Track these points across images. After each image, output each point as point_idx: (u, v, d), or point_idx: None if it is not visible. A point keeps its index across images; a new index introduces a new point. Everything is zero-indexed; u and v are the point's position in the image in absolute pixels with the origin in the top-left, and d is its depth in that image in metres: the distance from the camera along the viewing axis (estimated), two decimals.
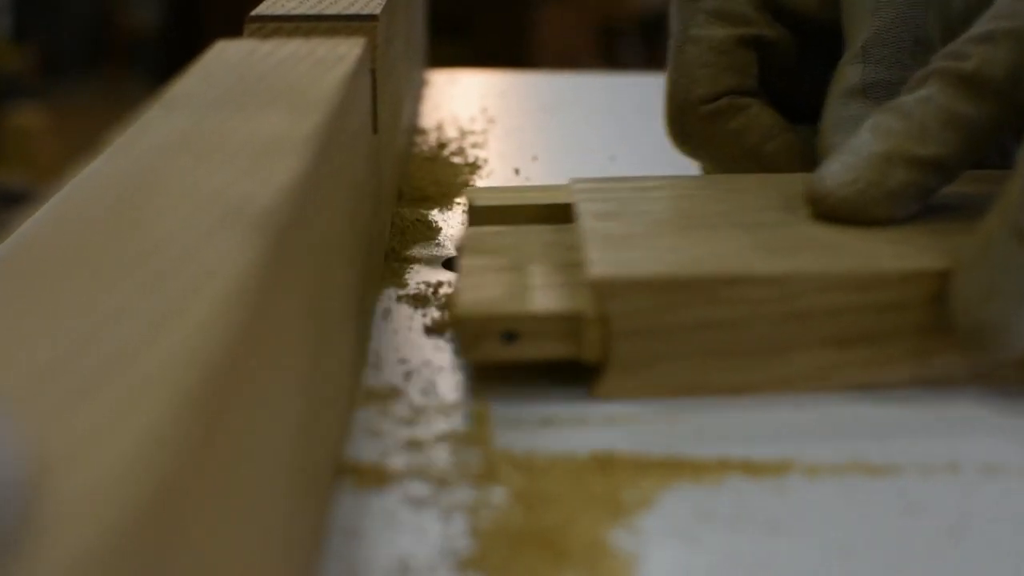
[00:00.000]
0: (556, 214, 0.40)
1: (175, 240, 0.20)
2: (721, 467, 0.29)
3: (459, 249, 0.39)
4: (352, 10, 0.39)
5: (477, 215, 0.41)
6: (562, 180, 0.42)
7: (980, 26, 0.37)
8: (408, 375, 0.34)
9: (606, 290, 0.33)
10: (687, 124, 0.45)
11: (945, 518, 0.28)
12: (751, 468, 0.29)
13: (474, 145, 0.62)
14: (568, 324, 0.33)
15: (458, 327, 0.34)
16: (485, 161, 0.59)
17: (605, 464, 0.29)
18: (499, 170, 0.57)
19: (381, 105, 0.41)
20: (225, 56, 0.34)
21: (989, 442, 0.31)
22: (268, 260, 0.20)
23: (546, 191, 0.43)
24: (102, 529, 0.13)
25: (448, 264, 0.44)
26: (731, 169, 0.45)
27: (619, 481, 0.29)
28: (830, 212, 0.37)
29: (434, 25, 0.89)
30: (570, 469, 0.29)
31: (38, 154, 2.66)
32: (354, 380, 0.33)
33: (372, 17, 0.39)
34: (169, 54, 3.38)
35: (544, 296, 0.34)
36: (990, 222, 0.33)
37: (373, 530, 0.27)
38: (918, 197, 0.37)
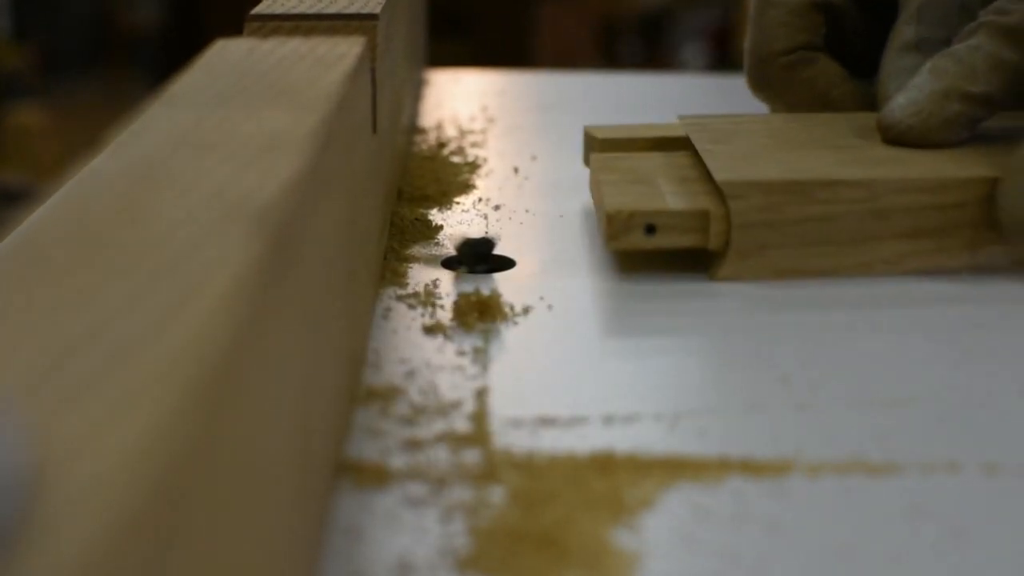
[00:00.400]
0: (663, 145, 0.50)
1: (176, 236, 0.20)
2: (721, 467, 0.29)
3: (592, 170, 0.48)
4: (352, 9, 0.39)
5: (599, 145, 0.50)
6: (564, 178, 0.43)
7: None
8: (408, 375, 0.34)
9: (729, 190, 0.42)
10: (767, 74, 0.55)
11: (946, 518, 0.28)
12: (751, 468, 0.29)
13: (474, 144, 0.62)
14: (697, 219, 0.42)
15: (608, 222, 0.41)
16: (485, 160, 0.59)
17: (605, 464, 0.29)
18: (499, 169, 0.57)
19: (381, 104, 0.41)
20: (225, 54, 0.34)
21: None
22: (269, 256, 0.20)
23: (653, 128, 0.52)
24: (104, 523, 0.13)
25: (447, 264, 0.44)
26: (802, 111, 0.53)
27: (619, 481, 0.29)
28: (898, 137, 0.46)
29: (434, 24, 0.89)
30: (570, 468, 0.29)
31: (38, 153, 2.66)
32: (354, 378, 0.33)
33: (372, 16, 0.39)
34: (169, 53, 3.38)
35: (675, 198, 0.43)
36: None
37: (373, 529, 0.27)
38: (969, 125, 0.46)
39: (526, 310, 0.39)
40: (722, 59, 3.25)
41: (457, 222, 0.48)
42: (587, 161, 0.51)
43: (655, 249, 0.42)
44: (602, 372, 0.35)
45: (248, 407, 0.18)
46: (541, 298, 0.40)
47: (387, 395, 0.33)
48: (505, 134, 0.65)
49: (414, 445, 0.30)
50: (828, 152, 0.45)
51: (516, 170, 0.57)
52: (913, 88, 0.46)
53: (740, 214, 0.42)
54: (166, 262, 0.19)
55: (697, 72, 3.01)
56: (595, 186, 0.46)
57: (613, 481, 0.29)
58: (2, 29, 3.39)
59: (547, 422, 0.32)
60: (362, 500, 0.28)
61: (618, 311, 0.40)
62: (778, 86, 0.55)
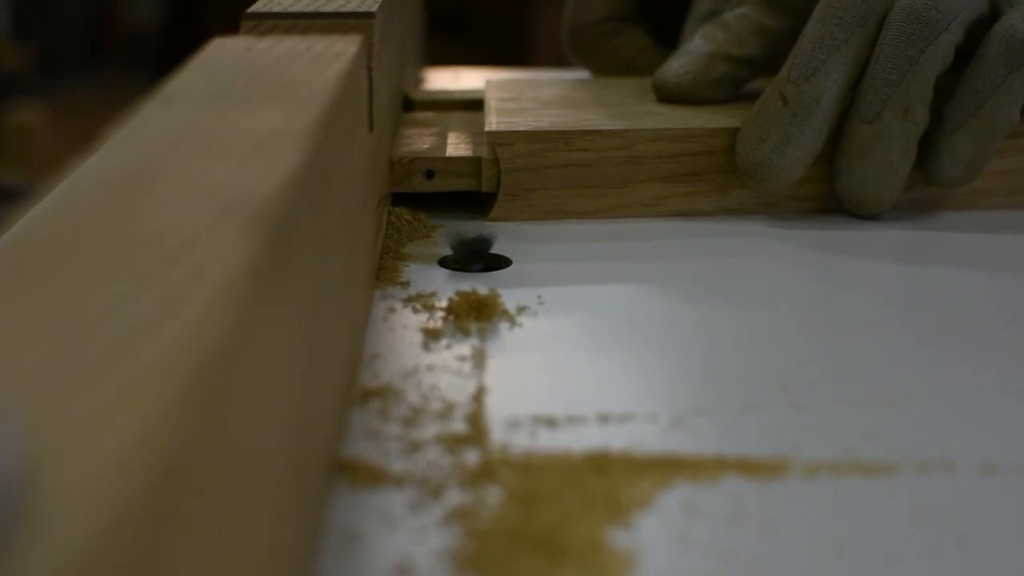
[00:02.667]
0: (476, 105, 0.56)
1: (173, 233, 0.20)
2: (718, 466, 0.29)
3: (402, 124, 0.53)
4: (349, 8, 0.39)
5: (414, 106, 0.58)
6: None
7: None
8: (404, 374, 0.34)
9: (497, 139, 0.48)
10: (581, 41, 0.61)
11: (942, 519, 0.28)
12: (748, 467, 0.29)
13: None
14: (471, 165, 0.48)
15: (392, 167, 0.47)
16: None
17: (602, 464, 0.29)
18: None
19: (377, 103, 0.41)
20: (222, 52, 0.34)
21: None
22: (265, 254, 0.20)
23: (468, 90, 0.61)
24: (97, 522, 0.13)
25: (444, 262, 0.44)
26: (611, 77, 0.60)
27: (616, 480, 0.29)
28: (668, 95, 0.52)
29: (433, 23, 0.89)
30: (567, 469, 0.29)
31: (37, 151, 2.66)
32: (350, 377, 0.33)
33: (369, 15, 0.39)
34: (169, 53, 3.38)
35: (455, 147, 0.49)
36: (765, 92, 0.48)
37: (370, 530, 0.27)
38: (733, 85, 0.52)
39: (522, 309, 0.39)
40: None
41: (453, 221, 0.48)
42: None
43: (435, 191, 0.48)
44: (598, 371, 0.35)
45: (243, 405, 0.18)
46: (538, 297, 0.40)
47: (383, 395, 0.33)
48: None
49: (411, 445, 0.30)
50: (600, 108, 0.51)
51: None
52: (684, 52, 0.52)
53: (507, 160, 0.48)
54: (162, 260, 0.19)
55: None
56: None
57: (610, 481, 0.29)
58: (1, 28, 3.38)
59: (544, 422, 0.32)
60: (359, 500, 0.28)
61: (616, 308, 0.40)
62: (590, 53, 0.61)
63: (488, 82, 0.57)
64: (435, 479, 0.29)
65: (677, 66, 0.52)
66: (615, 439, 0.31)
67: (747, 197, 0.49)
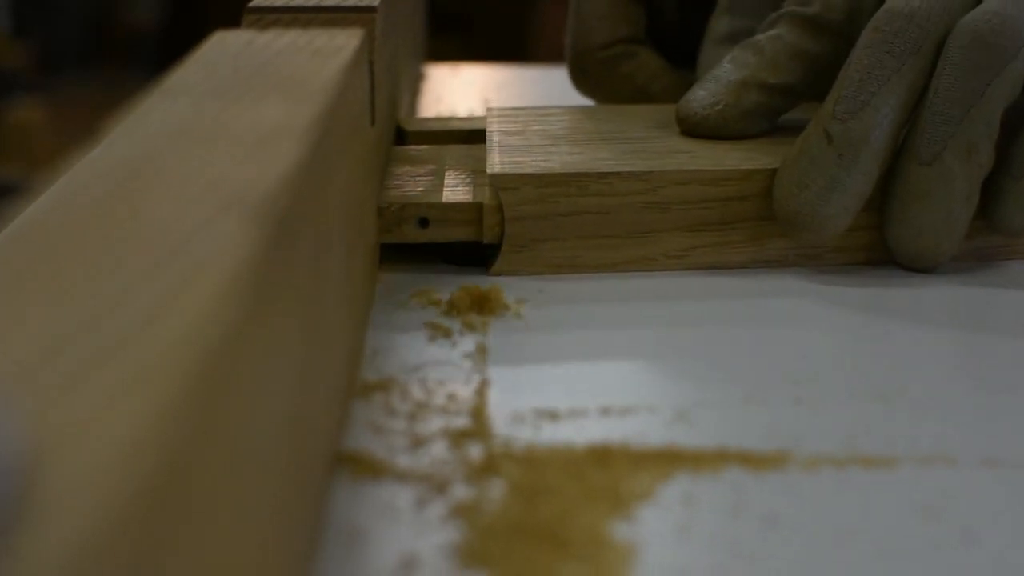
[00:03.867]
0: (475, 137, 0.50)
1: (172, 227, 0.20)
2: (719, 458, 0.29)
3: (392, 161, 0.47)
4: (350, 2, 0.39)
5: (408, 138, 0.51)
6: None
7: None
8: (406, 369, 0.34)
9: (501, 183, 0.41)
10: (586, 67, 0.55)
11: (943, 511, 0.28)
12: (749, 460, 0.29)
13: None
14: (471, 212, 0.42)
15: (380, 214, 0.41)
16: None
17: (603, 456, 0.29)
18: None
19: (379, 97, 0.41)
20: (223, 46, 0.34)
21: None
22: (266, 248, 0.20)
23: (468, 120, 0.53)
24: (97, 517, 0.13)
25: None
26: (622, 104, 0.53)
27: (618, 473, 0.29)
28: (694, 128, 0.45)
29: (434, 19, 0.89)
30: (569, 461, 0.29)
31: (37, 149, 2.66)
32: (352, 372, 0.33)
33: (371, 9, 0.39)
34: (168, 51, 3.38)
35: (453, 191, 0.43)
36: (807, 129, 0.41)
37: (373, 524, 0.27)
38: (767, 116, 0.46)
39: (524, 303, 0.39)
40: None
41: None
42: None
43: (431, 242, 0.42)
44: (600, 364, 0.35)
45: (243, 399, 0.18)
46: (540, 291, 0.40)
47: (385, 389, 0.33)
48: None
49: (413, 439, 0.30)
50: (617, 144, 0.44)
51: None
52: (712, 79, 0.46)
53: (512, 207, 0.41)
54: (162, 253, 0.19)
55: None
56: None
57: (612, 474, 0.29)
58: (1, 26, 3.38)
59: (546, 415, 0.31)
60: (361, 495, 0.28)
61: (617, 300, 0.40)
62: (597, 80, 0.55)
63: (489, 111, 0.50)
64: (438, 473, 0.29)
65: (704, 95, 0.45)
66: (616, 432, 0.31)
67: (786, 248, 0.42)
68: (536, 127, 0.47)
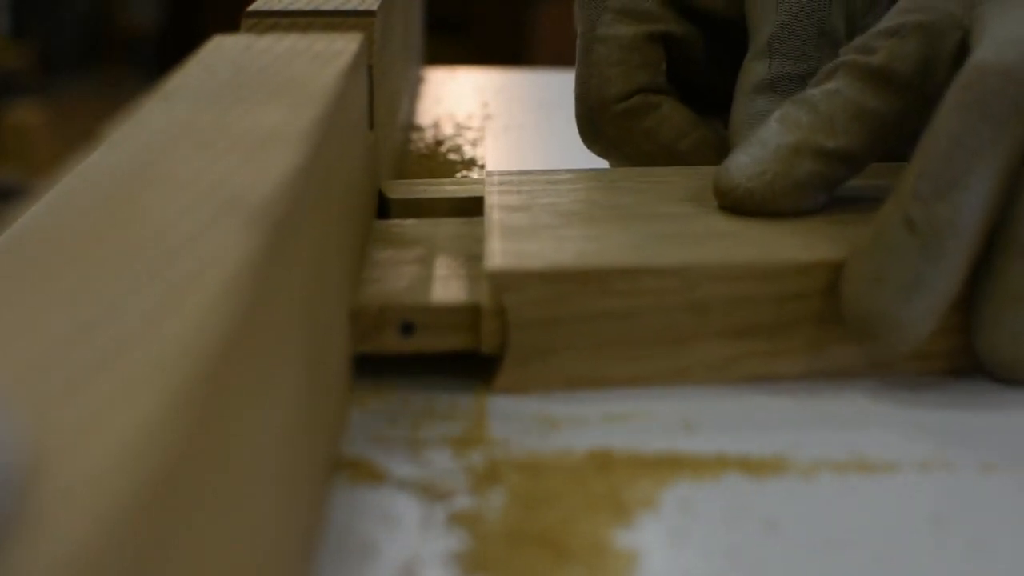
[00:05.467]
0: (471, 207, 0.41)
1: (173, 230, 0.20)
2: (719, 464, 0.29)
3: (372, 242, 0.39)
4: (349, 6, 0.39)
5: (393, 208, 0.42)
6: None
7: (888, 20, 0.37)
8: (406, 373, 0.34)
9: (501, 282, 0.33)
10: (600, 124, 0.45)
11: (943, 517, 0.28)
12: (749, 465, 0.29)
13: (471, 142, 0.62)
14: (466, 316, 0.33)
15: (355, 319, 0.33)
16: (482, 158, 0.59)
17: (604, 462, 0.29)
18: (496, 167, 0.57)
19: (378, 101, 0.41)
20: (222, 50, 0.34)
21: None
22: (265, 252, 0.20)
23: (461, 184, 0.44)
24: (97, 519, 0.13)
25: None
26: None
27: (618, 479, 0.29)
28: (737, 204, 0.37)
29: (432, 22, 0.89)
30: (570, 468, 0.29)
31: (36, 151, 2.66)
32: (350, 375, 0.33)
33: (369, 13, 0.39)
34: (167, 53, 3.38)
35: (444, 288, 0.34)
36: (884, 210, 0.33)
37: (373, 530, 0.27)
38: (825, 188, 0.37)
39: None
40: None
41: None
42: None
43: (416, 353, 0.34)
44: None
45: (243, 402, 0.18)
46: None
47: (385, 394, 0.33)
48: (503, 132, 0.65)
49: (414, 445, 0.30)
50: (640, 225, 0.36)
51: (514, 168, 0.57)
52: (757, 143, 0.37)
53: (517, 310, 0.33)
54: (162, 257, 0.19)
55: None
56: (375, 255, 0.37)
57: (612, 480, 0.29)
58: (1, 27, 3.38)
59: (548, 422, 0.31)
60: (361, 500, 0.28)
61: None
62: (614, 139, 0.45)
63: (489, 176, 0.41)
64: (438, 480, 0.29)
65: (748, 162, 0.37)
66: (617, 438, 0.31)
67: (850, 355, 0.34)
68: (544, 200, 0.38)
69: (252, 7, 0.39)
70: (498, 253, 0.34)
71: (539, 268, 0.33)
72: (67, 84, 3.54)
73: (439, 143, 0.61)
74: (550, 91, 0.78)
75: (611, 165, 0.47)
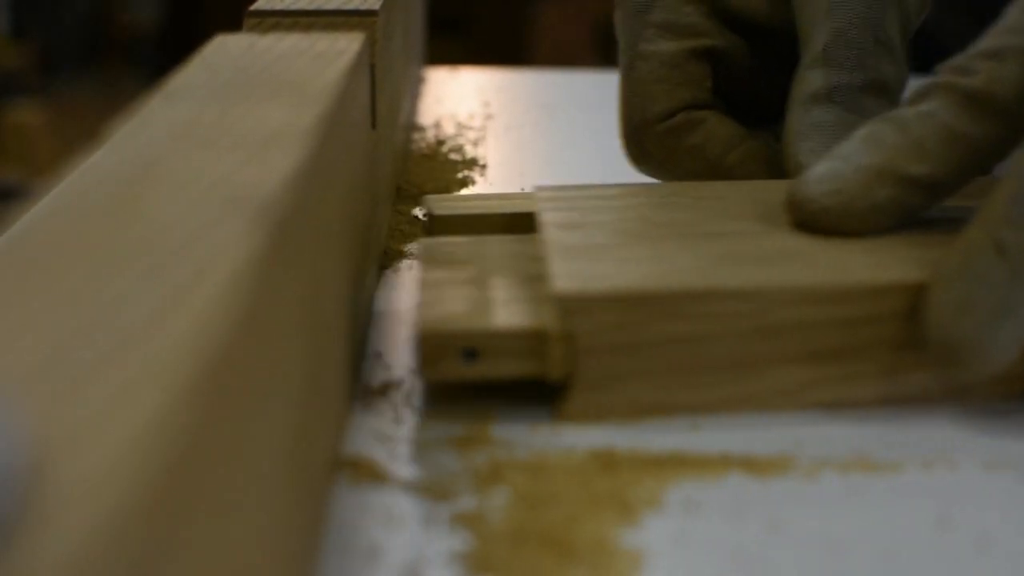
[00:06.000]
0: (519, 223, 0.39)
1: (176, 229, 0.20)
2: (723, 463, 0.29)
3: (418, 261, 0.36)
4: (351, 5, 0.39)
5: (437, 224, 0.40)
6: (563, 177, 0.42)
7: (988, 40, 0.36)
8: (408, 375, 0.34)
9: (571, 306, 0.32)
10: (646, 143, 0.44)
11: (943, 515, 0.28)
12: (753, 465, 0.29)
13: (472, 142, 0.62)
14: (532, 341, 0.32)
15: (418, 345, 0.32)
16: (483, 158, 0.59)
17: (608, 462, 0.29)
18: (497, 166, 0.57)
19: (380, 100, 0.41)
20: (225, 49, 0.34)
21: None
22: (268, 250, 0.20)
23: (509, 200, 0.42)
24: (100, 517, 0.13)
25: None
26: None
27: (622, 479, 0.29)
28: (810, 220, 0.35)
29: (433, 22, 0.89)
30: (573, 468, 0.29)
31: (36, 151, 2.66)
32: (353, 375, 0.33)
33: (371, 12, 0.39)
34: (168, 52, 3.38)
35: (506, 312, 0.33)
36: (971, 234, 0.32)
37: (376, 530, 0.27)
38: (903, 215, 0.35)
39: None
40: None
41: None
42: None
43: (482, 380, 0.32)
44: None
45: (246, 401, 0.18)
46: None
47: (386, 395, 0.33)
48: (504, 132, 0.65)
49: (416, 445, 0.30)
50: (704, 244, 0.35)
51: (515, 168, 0.57)
52: (838, 158, 0.36)
53: (586, 336, 0.32)
54: (165, 256, 0.19)
55: None
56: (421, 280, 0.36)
57: (616, 480, 0.29)
58: (1, 27, 3.38)
59: (551, 422, 0.31)
60: (364, 500, 0.28)
61: None
62: (660, 157, 0.44)
63: (537, 191, 0.40)
64: (440, 479, 0.29)
65: (825, 173, 0.35)
66: (620, 438, 0.31)
67: (927, 380, 0.33)
68: (597, 217, 0.37)
69: (254, 6, 0.39)
70: (563, 276, 0.32)
71: (608, 292, 0.32)
72: (67, 84, 3.55)
73: (440, 143, 0.61)
74: (551, 91, 0.78)
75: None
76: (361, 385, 0.33)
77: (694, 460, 0.30)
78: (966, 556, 0.26)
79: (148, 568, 0.13)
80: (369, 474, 0.29)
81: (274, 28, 0.37)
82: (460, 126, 0.65)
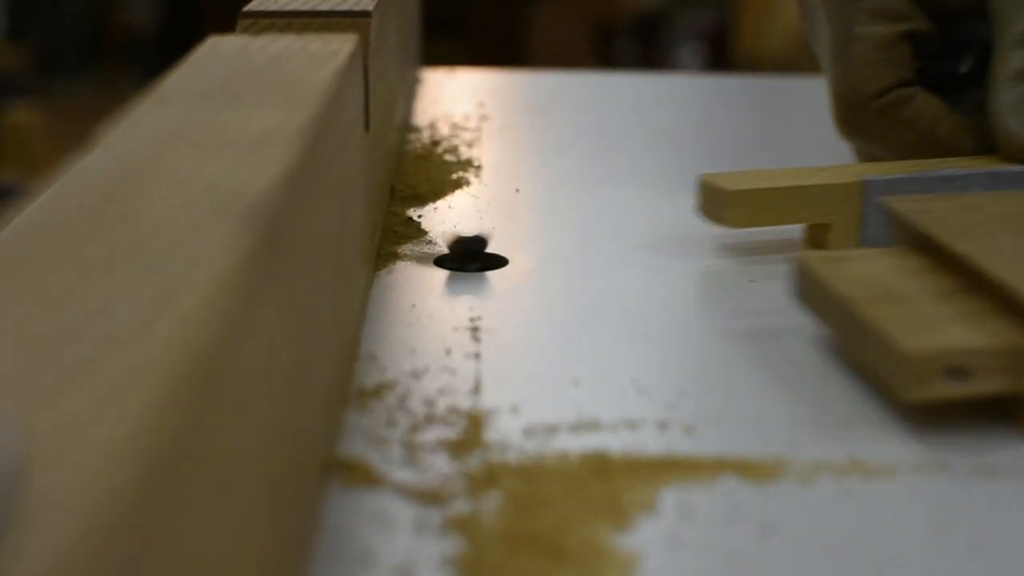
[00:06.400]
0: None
1: (165, 231, 0.20)
2: (717, 467, 0.29)
3: (822, 277, 0.35)
4: (345, 6, 0.39)
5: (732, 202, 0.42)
6: (558, 180, 0.42)
7: None
8: (402, 376, 0.34)
9: None
10: (861, 119, 0.49)
11: (937, 519, 0.27)
12: (747, 469, 0.29)
13: (467, 143, 0.62)
14: (1011, 358, 0.31)
15: (902, 366, 0.31)
16: (478, 159, 0.58)
17: (601, 466, 0.29)
18: (492, 167, 0.57)
19: (373, 102, 0.40)
20: (217, 51, 0.34)
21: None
22: (258, 253, 0.20)
23: (800, 176, 0.45)
24: (84, 521, 0.13)
25: (440, 262, 0.44)
26: (905, 155, 0.48)
27: (615, 483, 0.28)
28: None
29: (428, 23, 0.89)
30: (566, 472, 0.29)
31: (34, 152, 2.66)
32: (345, 378, 0.33)
33: (365, 13, 0.39)
34: (165, 53, 3.38)
35: (976, 329, 0.32)
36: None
37: (369, 533, 0.26)
38: None
39: (520, 309, 0.39)
40: (718, 60, 3.25)
41: (450, 221, 0.48)
42: (710, 214, 0.44)
43: (960, 399, 0.31)
44: (598, 374, 0.35)
45: (233, 403, 0.18)
46: (536, 297, 0.40)
47: (380, 397, 0.33)
48: (499, 133, 0.65)
49: (409, 448, 0.30)
50: None
51: (510, 169, 0.57)
52: None
53: None
54: (154, 258, 0.19)
55: (693, 73, 3.02)
56: (842, 303, 0.34)
57: (610, 484, 0.28)
58: None
59: (544, 426, 0.31)
60: (356, 503, 0.28)
61: (613, 309, 0.40)
62: (876, 131, 0.49)
63: (887, 201, 0.40)
64: (433, 483, 0.28)
65: None
66: (614, 442, 0.30)
67: None
68: (990, 226, 0.37)
69: (248, 7, 0.39)
70: None
71: None
72: (65, 84, 3.54)
73: (435, 143, 0.61)
74: (546, 92, 0.78)
75: (862, 154, 0.50)
76: (355, 387, 0.33)
77: (688, 464, 0.29)
78: (960, 562, 0.26)
79: (132, 572, 0.13)
80: (363, 477, 0.29)
81: (268, 29, 0.37)
82: (455, 127, 0.65)
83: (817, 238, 0.45)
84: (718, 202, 0.44)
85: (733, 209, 0.43)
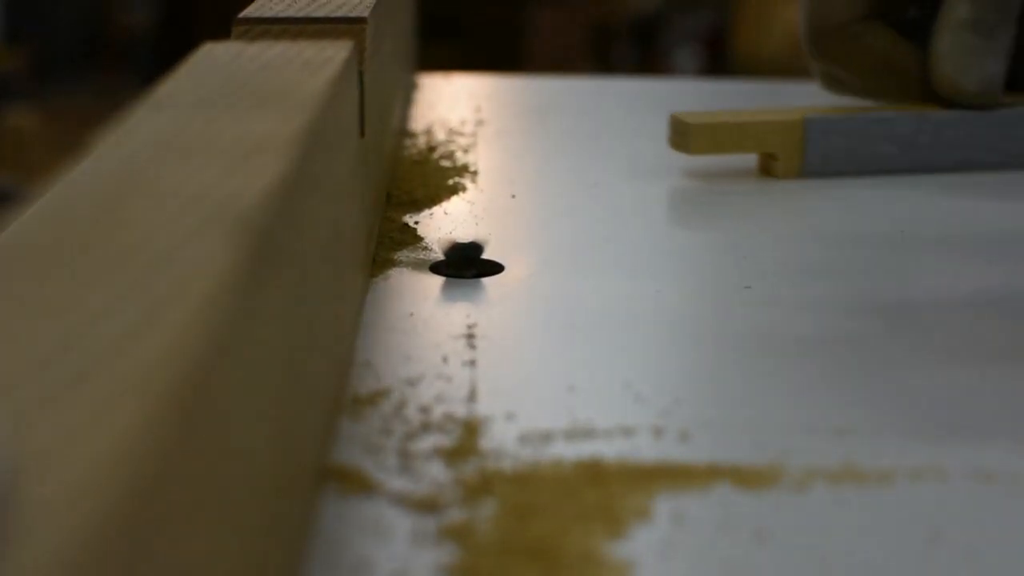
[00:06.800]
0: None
1: (158, 240, 0.20)
2: (712, 474, 0.29)
3: None
4: (340, 13, 0.39)
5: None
6: (554, 183, 0.42)
7: None
8: (396, 384, 0.34)
9: None
10: (827, 44, 0.58)
11: (932, 527, 0.27)
12: (742, 475, 0.29)
13: (463, 148, 0.62)
14: None
15: None
16: (475, 164, 0.58)
17: (596, 473, 0.29)
18: (489, 173, 0.57)
19: (369, 108, 0.40)
20: (212, 58, 0.33)
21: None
22: (251, 261, 0.20)
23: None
24: (77, 531, 0.13)
25: (435, 268, 0.44)
26: (863, 77, 0.58)
27: (610, 490, 0.28)
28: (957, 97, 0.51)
29: (425, 28, 0.89)
30: (561, 479, 0.29)
31: (31, 155, 2.66)
32: (339, 386, 0.33)
33: (360, 20, 0.39)
34: (162, 56, 3.38)
35: None
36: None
37: (362, 541, 0.26)
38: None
39: (516, 317, 0.39)
40: (716, 63, 3.26)
41: (446, 227, 0.48)
42: (676, 144, 0.52)
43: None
44: (594, 381, 0.35)
45: (226, 415, 0.18)
46: (531, 304, 0.40)
47: (375, 404, 0.33)
48: (496, 138, 0.65)
49: (403, 456, 0.30)
50: None
51: (506, 174, 0.57)
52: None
53: None
54: (147, 266, 0.19)
55: (691, 76, 3.02)
56: None
57: (605, 491, 0.28)
58: None
59: (540, 433, 0.31)
60: (350, 511, 0.28)
61: (608, 316, 0.40)
62: (839, 55, 0.57)
63: None
64: (428, 490, 0.28)
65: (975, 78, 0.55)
66: (609, 449, 0.30)
67: None
68: None
69: (243, 14, 0.38)
70: None
71: None
72: (62, 88, 3.54)
73: (431, 149, 0.61)
74: (543, 97, 0.78)
75: (826, 78, 0.59)
76: (350, 394, 0.33)
77: (682, 471, 0.29)
78: (956, 569, 0.26)
79: None
80: (357, 485, 0.29)
81: (262, 36, 0.37)
82: (451, 132, 0.65)
83: (767, 165, 0.54)
84: (683, 134, 0.52)
85: (695, 139, 0.51)
